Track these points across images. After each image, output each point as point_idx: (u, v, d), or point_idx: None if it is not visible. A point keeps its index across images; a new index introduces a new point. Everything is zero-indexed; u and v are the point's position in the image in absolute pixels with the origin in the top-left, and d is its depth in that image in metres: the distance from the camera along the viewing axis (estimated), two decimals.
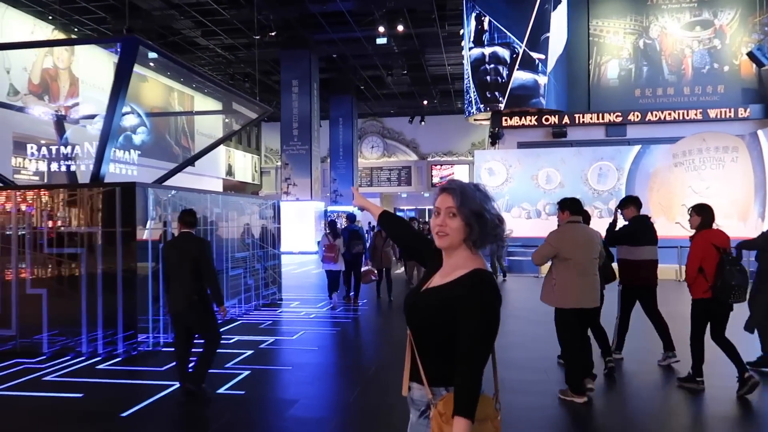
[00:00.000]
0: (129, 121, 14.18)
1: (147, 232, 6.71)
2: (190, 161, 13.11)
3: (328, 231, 10.52)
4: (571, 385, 4.87)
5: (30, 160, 9.73)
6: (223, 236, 8.75)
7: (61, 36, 21.33)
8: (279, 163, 42.40)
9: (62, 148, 8.00)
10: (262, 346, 7.04)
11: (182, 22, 22.11)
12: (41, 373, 5.85)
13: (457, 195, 1.73)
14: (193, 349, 5.10)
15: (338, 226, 11.11)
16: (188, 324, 4.91)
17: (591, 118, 18.70)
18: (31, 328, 6.56)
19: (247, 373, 5.76)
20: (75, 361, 6.31)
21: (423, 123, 37.94)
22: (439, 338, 1.70)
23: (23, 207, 6.85)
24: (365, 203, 2.48)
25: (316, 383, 5.64)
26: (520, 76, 17.69)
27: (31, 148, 8.34)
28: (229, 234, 8.88)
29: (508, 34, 17.68)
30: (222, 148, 35.20)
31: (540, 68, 17.64)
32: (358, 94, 34.11)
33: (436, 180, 39.83)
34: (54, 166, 7.84)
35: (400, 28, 21.68)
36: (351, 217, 11.81)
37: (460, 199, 1.72)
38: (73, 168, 8.21)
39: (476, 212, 1.71)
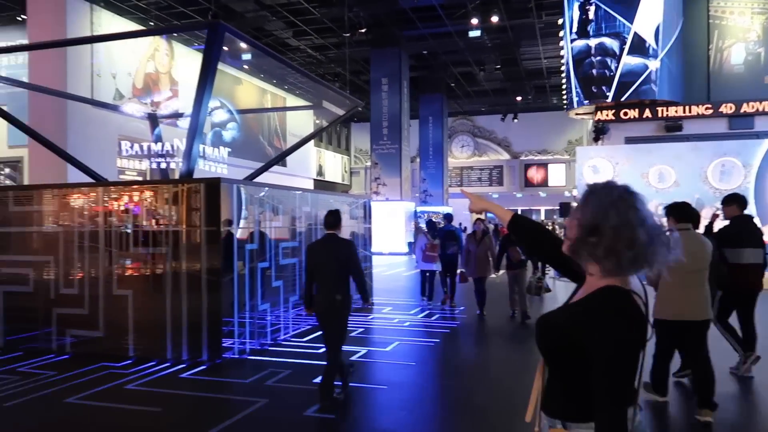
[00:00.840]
0: (219, 116, 14.15)
1: (238, 231, 6.28)
2: (280, 158, 12.84)
3: (427, 230, 10.69)
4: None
5: (128, 159, 9.79)
6: (312, 236, 8.24)
7: (161, 42, 22.09)
8: (368, 163, 42.39)
9: (153, 145, 7.76)
10: (353, 358, 6.42)
11: (274, 23, 22.25)
12: (124, 380, 5.52)
13: (582, 198, 1.54)
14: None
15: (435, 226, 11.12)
16: (329, 323, 4.94)
17: (710, 110, 16.74)
18: (117, 330, 6.31)
19: (337, 391, 5.14)
20: (159, 367, 5.97)
21: (516, 120, 36.42)
22: (569, 365, 1.50)
23: (118, 205, 6.65)
24: (487, 205, 2.12)
25: (417, 410, 4.90)
26: (629, 62, 16.10)
27: (125, 144, 8.22)
28: (317, 234, 8.36)
29: (618, 17, 16.15)
30: (313, 148, 35.58)
31: (651, 51, 15.99)
32: (449, 91, 33.22)
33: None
34: (146, 165, 7.62)
35: (495, 19, 20.60)
36: (448, 217, 11.77)
37: (581, 203, 1.53)
38: (163, 165, 8.00)
39: (591, 224, 1.46)
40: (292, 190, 8.05)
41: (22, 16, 19.45)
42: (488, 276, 9.44)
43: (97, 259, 6.35)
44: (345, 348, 6.85)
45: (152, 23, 21.19)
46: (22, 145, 17.46)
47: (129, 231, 6.35)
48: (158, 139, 8.17)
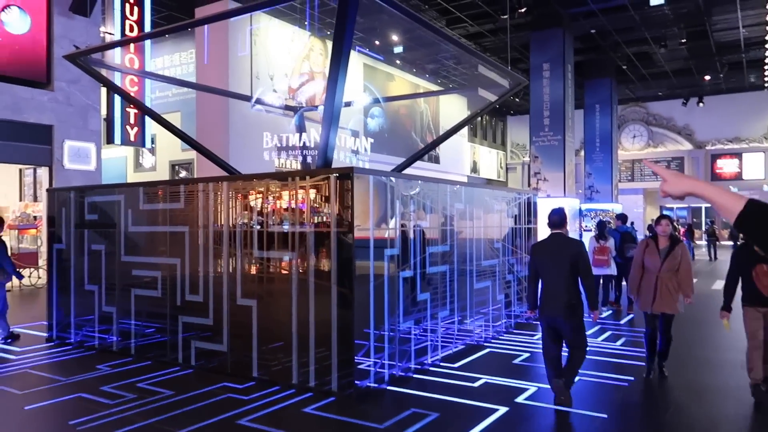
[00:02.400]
0: (361, 100, 13.33)
1: (377, 232, 5.14)
2: (430, 147, 11.70)
3: (596, 233, 9.75)
4: None
5: (268, 152, 9.38)
6: (467, 238, 6.88)
7: (315, 41, 22.17)
8: (526, 158, 39.92)
9: (291, 137, 6.96)
10: (518, 398, 4.95)
11: (427, 12, 21.22)
12: (241, 410, 4.63)
13: None
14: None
15: (607, 227, 10.03)
16: (563, 329, 4.74)
17: None
18: (241, 345, 5.50)
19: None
20: (282, 395, 5.02)
21: (701, 105, 31.67)
22: None
23: (243, 202, 5.88)
24: (693, 185, 1.41)
25: None
26: None
27: (266, 135, 7.54)
28: (474, 235, 6.97)
29: None
30: (466, 143, 34.17)
31: None
32: (619, 75, 29.73)
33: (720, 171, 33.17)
34: (283, 158, 6.82)
35: None
36: (622, 217, 10.79)
37: None
38: (309, 159, 7.16)
39: None
40: (444, 183, 6.71)
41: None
42: (678, 313, 5.55)
43: (222, 263, 5.60)
44: (505, 382, 5.42)
45: (307, 22, 21.30)
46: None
47: (256, 229, 5.50)
48: (300, 129, 7.33)
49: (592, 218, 26.10)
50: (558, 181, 23.61)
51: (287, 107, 8.55)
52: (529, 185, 25.14)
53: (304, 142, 7.17)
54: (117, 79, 14.75)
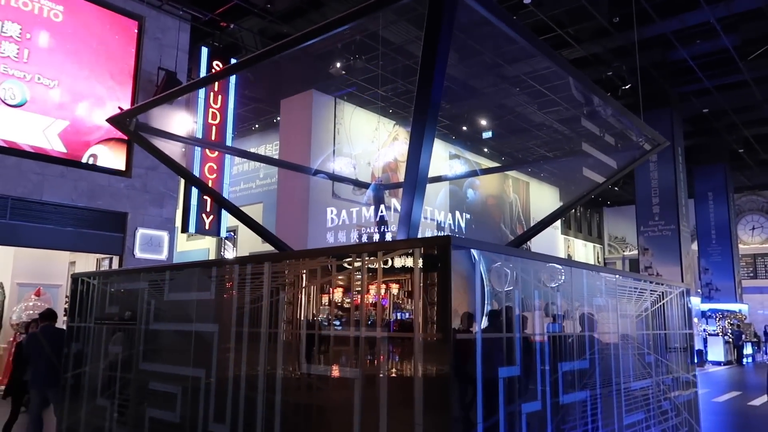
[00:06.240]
0: (455, 168, 11.79)
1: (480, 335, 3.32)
2: (522, 240, 9.97)
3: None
4: None
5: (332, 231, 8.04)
6: (607, 343, 4.84)
7: (400, 130, 21.42)
8: (626, 252, 36.54)
9: (365, 210, 5.41)
10: None
11: (516, 98, 20.04)
12: None
13: None
14: None
15: None
16: None
17: None
18: None
19: None
20: None
21: None
22: None
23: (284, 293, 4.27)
24: None
25: None
26: None
27: (331, 212, 6.08)
28: (618, 340, 4.92)
29: None
30: (560, 236, 31.77)
31: None
32: (733, 161, 26.86)
33: None
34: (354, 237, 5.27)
35: None
36: None
37: None
38: (376, 237, 5.56)
39: None
40: (579, 267, 4.68)
41: (277, 118, 20.49)
42: None
43: (256, 377, 3.90)
44: None
45: (391, 110, 20.68)
46: None
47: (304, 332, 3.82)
48: (377, 200, 5.78)
49: (717, 321, 22.49)
50: (674, 276, 20.64)
51: (357, 182, 7.12)
52: None
53: (382, 216, 5.57)
54: (196, 167, 14.29)
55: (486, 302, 3.50)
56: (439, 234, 14.59)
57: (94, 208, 12.24)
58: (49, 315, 6.48)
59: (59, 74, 11.71)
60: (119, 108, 12.11)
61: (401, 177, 20.59)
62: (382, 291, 3.61)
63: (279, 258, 4.18)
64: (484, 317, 3.47)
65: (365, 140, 19.98)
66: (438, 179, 8.00)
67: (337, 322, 3.91)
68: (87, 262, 14.35)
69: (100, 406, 5.16)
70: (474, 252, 3.44)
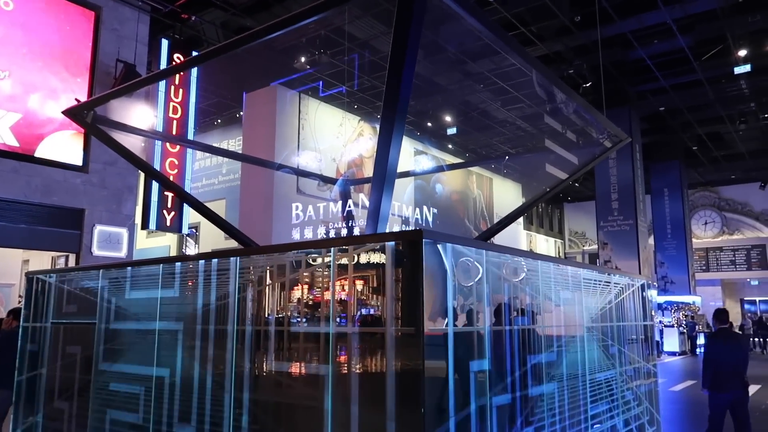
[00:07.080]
0: (422, 164, 11.83)
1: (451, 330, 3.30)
2: (486, 237, 10.06)
3: None
4: None
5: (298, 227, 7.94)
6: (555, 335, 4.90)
7: (365, 126, 21.39)
8: (585, 247, 37.42)
9: (332, 206, 5.36)
10: None
11: (480, 95, 20.25)
12: None
13: None
14: None
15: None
16: (736, 412, 5.57)
17: None
18: None
19: None
20: None
21: None
22: None
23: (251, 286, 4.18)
24: None
25: None
26: None
27: (296, 208, 6.01)
28: (575, 332, 5.00)
29: None
30: (523, 232, 32.28)
31: None
32: (687, 158, 27.78)
33: None
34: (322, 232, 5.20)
35: None
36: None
37: None
38: (344, 233, 5.52)
39: None
40: (545, 260, 4.67)
41: (240, 113, 20.20)
42: None
43: (221, 378, 3.81)
44: None
45: (356, 106, 20.63)
46: None
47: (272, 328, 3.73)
48: (344, 197, 5.74)
49: (672, 312, 23.23)
50: (632, 269, 21.21)
51: (324, 178, 7.04)
52: None
53: (350, 211, 5.53)
54: (156, 162, 13.92)
55: (454, 297, 3.50)
56: (406, 229, 14.64)
57: (49, 204, 11.79)
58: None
59: (9, 65, 11.22)
60: (76, 100, 11.69)
61: (366, 173, 20.58)
62: (348, 287, 3.56)
63: (246, 253, 4.08)
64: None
65: (330, 136, 19.88)
66: (406, 174, 7.96)
67: (304, 319, 3.85)
68: (42, 261, 13.83)
69: (57, 408, 4.97)
70: (448, 246, 3.44)
